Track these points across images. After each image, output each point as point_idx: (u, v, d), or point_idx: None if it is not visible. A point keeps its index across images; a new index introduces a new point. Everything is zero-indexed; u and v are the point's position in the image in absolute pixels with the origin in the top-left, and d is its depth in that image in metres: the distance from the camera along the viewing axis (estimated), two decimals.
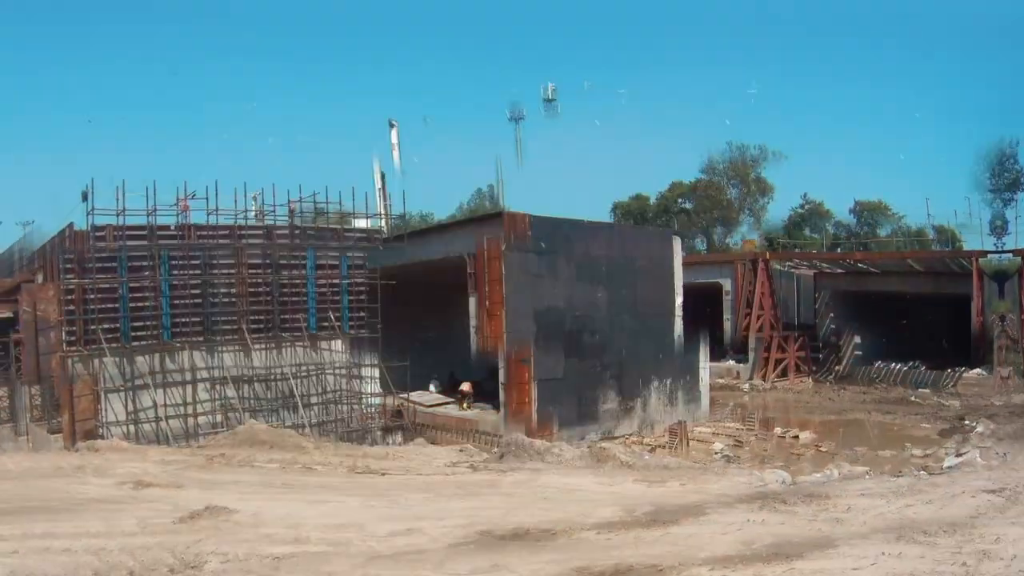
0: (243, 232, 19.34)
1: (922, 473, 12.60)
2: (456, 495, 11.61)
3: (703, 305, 32.82)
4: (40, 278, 20.32)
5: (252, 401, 19.37)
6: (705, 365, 22.87)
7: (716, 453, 16.41)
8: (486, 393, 20.94)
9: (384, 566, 8.35)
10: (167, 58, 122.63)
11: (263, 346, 19.40)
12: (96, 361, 17.57)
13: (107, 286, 17.52)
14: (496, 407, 20.16)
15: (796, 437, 17.96)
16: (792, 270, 35.31)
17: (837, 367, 29.84)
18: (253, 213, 19.90)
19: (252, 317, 19.43)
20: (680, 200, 49.83)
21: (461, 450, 15.73)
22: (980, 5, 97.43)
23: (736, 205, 48.44)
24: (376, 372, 20.00)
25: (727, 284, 33.79)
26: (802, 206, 49.80)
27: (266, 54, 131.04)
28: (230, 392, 18.99)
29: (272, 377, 19.48)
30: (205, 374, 18.79)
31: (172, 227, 18.86)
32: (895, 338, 34.29)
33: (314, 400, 19.73)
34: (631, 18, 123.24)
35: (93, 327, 17.26)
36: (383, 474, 14.54)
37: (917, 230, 39.87)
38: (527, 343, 19.64)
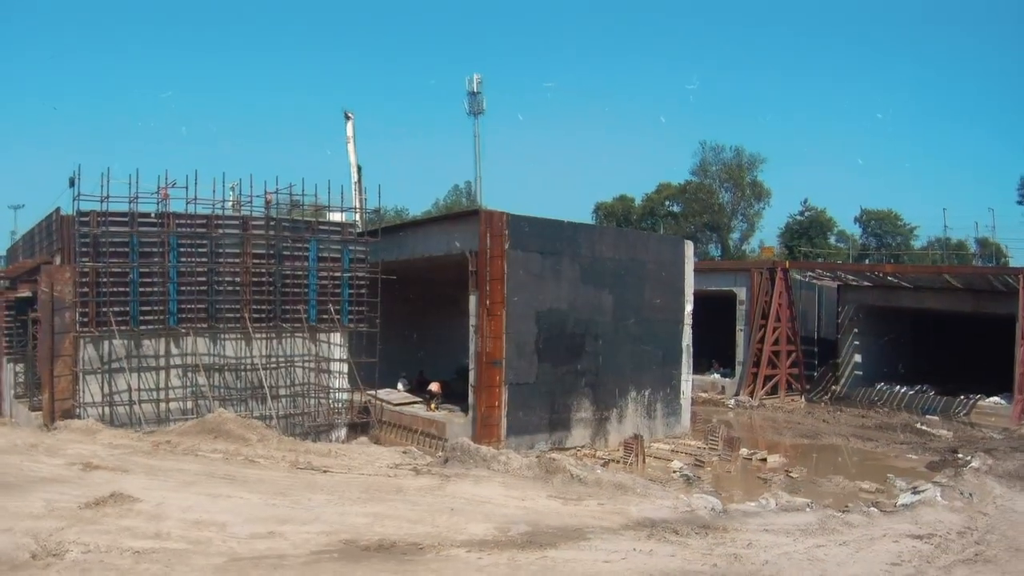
0: (220, 222, 19.81)
1: (872, 510, 11.72)
2: (360, 499, 11.54)
3: (715, 314, 31.73)
4: (58, 260, 21.33)
5: (222, 390, 19.84)
6: (688, 377, 22.05)
7: (675, 472, 15.75)
8: (455, 394, 20.77)
9: (240, 569, 8.35)
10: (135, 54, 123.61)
11: (264, 335, 20.02)
12: (106, 343, 18.37)
13: (119, 270, 18.42)
14: (465, 409, 19.98)
15: (764, 460, 17.06)
16: (814, 281, 33.68)
17: (834, 387, 28.22)
18: (230, 203, 20.32)
19: (255, 307, 19.97)
20: (668, 202, 48.15)
21: (405, 452, 15.65)
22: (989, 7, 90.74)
23: (728, 209, 46.46)
24: (345, 367, 20.15)
25: (742, 293, 32.48)
26: (802, 213, 47.71)
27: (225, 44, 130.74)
28: (201, 380, 19.49)
29: (243, 367, 19.91)
30: (202, 360, 19.32)
31: (152, 215, 19.47)
32: (930, 359, 32.32)
33: (283, 392, 20.04)
34: (623, 11, 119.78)
35: (105, 309, 18.16)
36: (324, 471, 14.62)
37: (957, 243, 37.35)
38: (522, 345, 19.42)
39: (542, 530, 9.28)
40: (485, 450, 15.48)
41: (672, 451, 17.83)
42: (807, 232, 45.52)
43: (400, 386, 22.06)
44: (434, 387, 20.69)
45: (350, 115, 26.60)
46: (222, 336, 19.80)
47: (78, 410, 18.76)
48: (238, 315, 19.85)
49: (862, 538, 9.50)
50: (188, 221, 19.60)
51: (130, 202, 18.98)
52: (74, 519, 10.00)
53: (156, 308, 18.96)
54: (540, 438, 19.06)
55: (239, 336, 19.96)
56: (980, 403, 24.65)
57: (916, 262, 36.07)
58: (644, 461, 16.02)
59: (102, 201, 18.71)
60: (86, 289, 18.19)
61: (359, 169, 26.05)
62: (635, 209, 49.65)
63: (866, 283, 32.56)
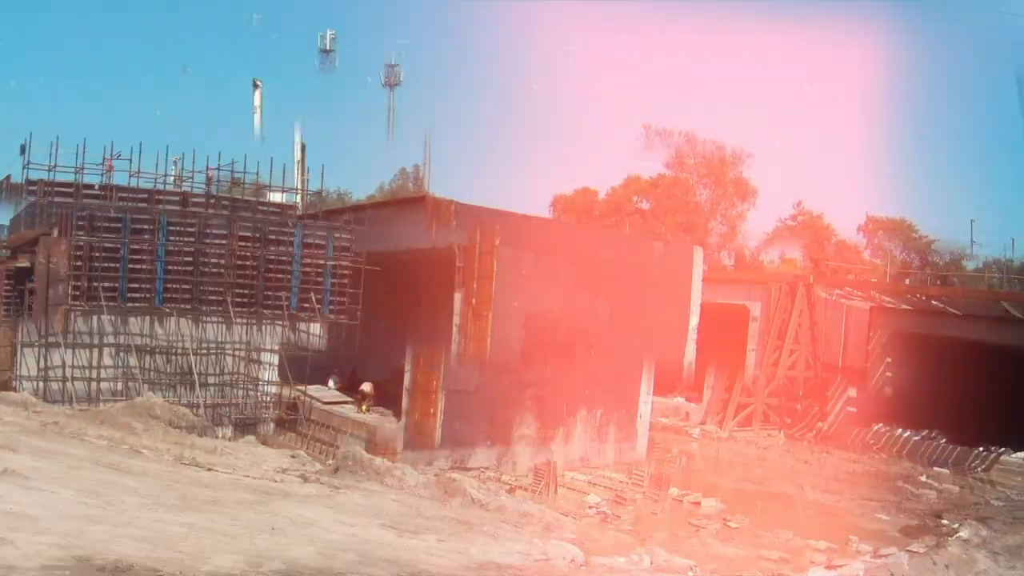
0: (160, 197, 19.77)
1: None
2: (176, 506, 10.72)
3: (723, 331, 29.51)
4: (56, 232, 21.92)
5: (153, 373, 19.77)
6: (647, 399, 20.26)
7: (590, 507, 14.27)
8: (389, 396, 19.89)
9: None
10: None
11: (244, 320, 19.99)
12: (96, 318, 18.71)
13: (111, 246, 18.84)
14: (398, 414, 19.10)
15: (698, 504, 15.22)
16: (841, 300, 30.76)
17: (820, 423, 25.42)
18: (172, 178, 20.24)
19: (237, 291, 19.96)
20: (636, 198, 44.14)
21: (293, 456, 14.88)
22: None
23: (706, 209, 42.31)
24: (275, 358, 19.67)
25: (756, 309, 30.06)
26: (793, 217, 43.35)
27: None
28: (132, 361, 19.49)
29: (174, 351, 19.77)
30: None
31: (96, 186, 19.64)
32: (968, 398, 28.97)
33: (211, 380, 19.76)
34: None
35: (96, 284, 18.56)
36: (209, 469, 14.05)
37: (1020, 265, 33.23)
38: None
39: (299, 571, 8.12)
40: (379, 462, 14.54)
41: (589, 483, 16.28)
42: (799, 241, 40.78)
43: (331, 383, 21.39)
44: (366, 387, 19.91)
45: (259, 83, 26.20)
46: (203, 320, 19.78)
47: (15, 383, 19.07)
48: (221, 298, 19.73)
49: None
50: (130, 195, 19.68)
51: (76, 173, 19.21)
52: None
53: (144, 287, 19.18)
54: (479, 453, 17.97)
55: (220, 320, 19.94)
56: (1004, 457, 21.62)
57: (968, 285, 32.37)
58: (555, 491, 14.60)
59: (49, 170, 19.06)
60: (79, 263, 18.52)
61: (303, 147, 25.52)
62: (598, 204, 45.78)
63: (904, 306, 29.52)
